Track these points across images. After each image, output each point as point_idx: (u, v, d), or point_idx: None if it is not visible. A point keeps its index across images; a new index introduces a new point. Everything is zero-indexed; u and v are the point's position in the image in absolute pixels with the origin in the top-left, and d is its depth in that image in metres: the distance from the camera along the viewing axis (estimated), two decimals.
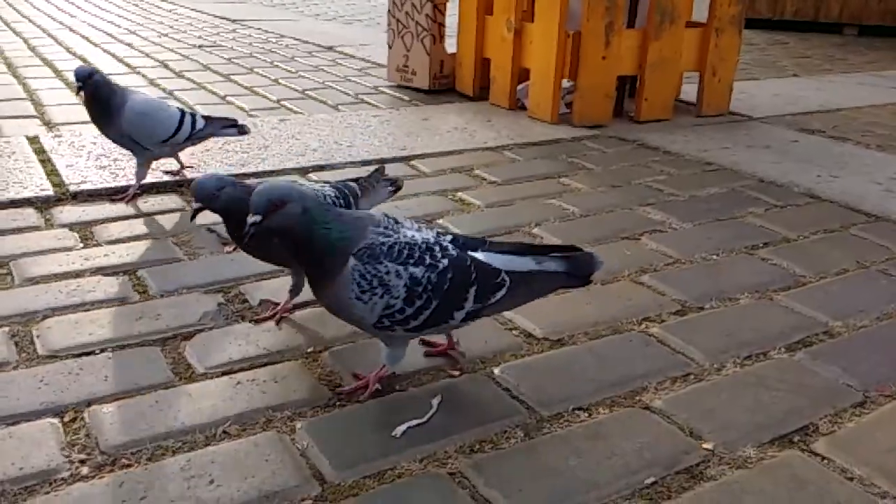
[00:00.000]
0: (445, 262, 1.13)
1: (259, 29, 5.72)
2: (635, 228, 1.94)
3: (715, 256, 1.79)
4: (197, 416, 1.15)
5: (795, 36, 6.13)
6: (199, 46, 4.81)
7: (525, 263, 1.20)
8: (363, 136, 2.71)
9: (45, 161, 2.29)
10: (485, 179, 2.32)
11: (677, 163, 2.55)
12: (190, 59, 4.30)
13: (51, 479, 1.02)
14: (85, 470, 1.04)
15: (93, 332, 1.37)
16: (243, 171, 2.28)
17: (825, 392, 1.26)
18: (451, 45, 3.50)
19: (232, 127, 2.13)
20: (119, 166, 2.24)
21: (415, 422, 1.15)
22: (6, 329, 1.37)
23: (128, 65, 4.09)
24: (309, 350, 1.34)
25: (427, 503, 1.00)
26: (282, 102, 3.29)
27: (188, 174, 2.22)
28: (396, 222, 1.17)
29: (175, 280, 1.58)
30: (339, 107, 3.24)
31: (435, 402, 1.19)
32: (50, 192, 2.04)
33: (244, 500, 0.99)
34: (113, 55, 4.39)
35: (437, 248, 1.14)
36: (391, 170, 2.37)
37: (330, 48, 4.84)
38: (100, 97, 1.94)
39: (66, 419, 1.14)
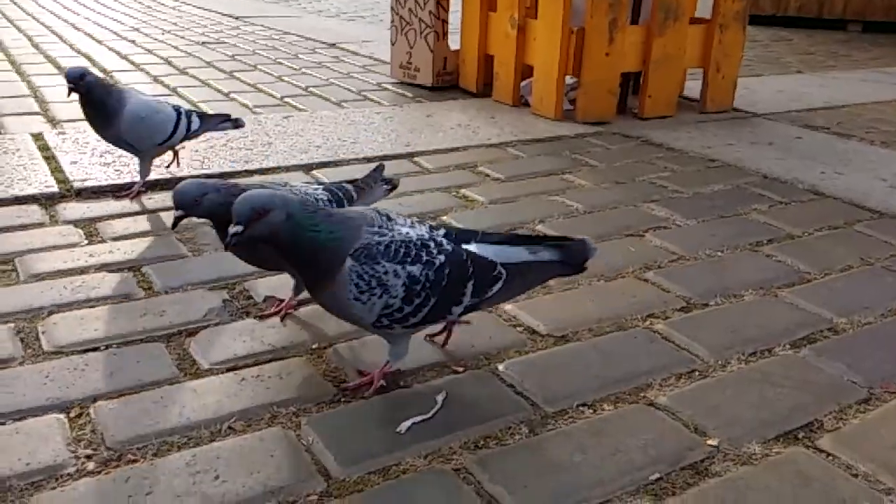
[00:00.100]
0: (442, 258, 1.13)
1: (262, 26, 5.72)
2: (639, 225, 1.94)
3: (719, 253, 1.78)
4: (202, 412, 1.16)
5: (799, 32, 6.12)
6: (203, 43, 4.81)
7: (519, 254, 1.20)
8: (367, 133, 2.71)
9: (50, 158, 2.29)
10: (488, 176, 2.32)
11: (681, 159, 2.55)
12: (193, 56, 4.31)
13: (57, 474, 1.02)
14: (91, 465, 1.04)
15: (98, 329, 1.38)
16: (247, 167, 2.28)
17: (830, 389, 1.26)
18: (454, 42, 3.49)
19: (227, 122, 2.12)
20: (123, 163, 2.24)
21: (419, 418, 1.15)
22: (12, 325, 1.38)
23: (131, 62, 4.10)
24: (314, 346, 1.34)
25: (432, 499, 1.00)
26: (285, 99, 3.29)
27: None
28: (389, 219, 1.16)
29: (179, 276, 1.58)
30: (343, 104, 3.24)
31: (439, 398, 1.20)
32: (54, 188, 2.04)
33: (249, 495, 0.99)
34: (117, 52, 4.39)
35: (432, 245, 1.14)
36: (394, 166, 2.37)
37: (333, 45, 4.84)
38: (93, 99, 1.91)
39: (72, 415, 1.14)
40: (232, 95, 3.34)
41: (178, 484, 1.01)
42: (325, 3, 7.88)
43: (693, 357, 1.34)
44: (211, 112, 2.82)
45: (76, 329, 1.37)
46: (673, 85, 3.11)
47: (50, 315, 1.42)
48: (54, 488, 1.00)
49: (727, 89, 3.23)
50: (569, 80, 3.01)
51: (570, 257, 1.22)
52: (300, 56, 4.40)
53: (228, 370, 1.27)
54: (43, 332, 1.36)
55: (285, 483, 1.02)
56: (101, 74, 3.71)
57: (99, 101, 1.91)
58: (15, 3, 6.82)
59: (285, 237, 1.09)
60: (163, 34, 5.17)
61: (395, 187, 1.61)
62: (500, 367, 1.29)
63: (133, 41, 4.82)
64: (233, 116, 2.14)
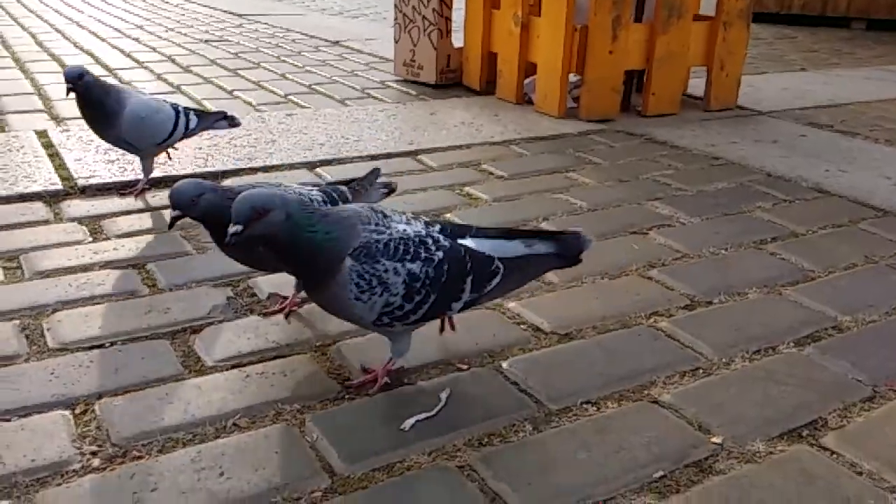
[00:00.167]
0: (440, 254, 1.13)
1: (265, 24, 5.72)
2: (643, 223, 1.94)
3: (723, 251, 1.78)
4: (207, 409, 1.16)
5: (803, 30, 6.10)
6: (206, 41, 4.81)
7: (515, 248, 1.21)
8: (370, 131, 2.71)
9: (54, 155, 2.30)
10: (492, 174, 2.32)
11: (685, 157, 2.54)
12: (197, 54, 4.31)
13: (63, 470, 1.03)
14: (96, 462, 1.05)
15: (102, 326, 1.38)
16: (250, 165, 2.28)
17: (834, 387, 1.26)
18: (457, 40, 3.49)
19: (223, 120, 2.11)
20: (127, 160, 2.24)
21: (423, 415, 1.15)
22: (17, 322, 1.38)
23: (135, 59, 4.10)
24: (318, 343, 1.35)
25: (436, 496, 1.00)
26: (289, 97, 3.30)
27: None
28: (385, 216, 1.15)
29: (184, 274, 1.59)
30: (346, 101, 3.24)
31: (443, 395, 1.20)
32: (59, 186, 2.05)
33: (254, 491, 1.00)
34: (120, 50, 4.39)
35: (430, 241, 1.14)
36: (398, 164, 2.37)
37: (336, 43, 4.84)
38: (92, 99, 1.89)
39: (77, 411, 1.15)
40: (235, 93, 3.34)
41: (182, 480, 1.01)
42: (329, 0, 7.88)
43: (697, 355, 1.34)
44: (214, 109, 2.82)
45: (81, 326, 1.37)
46: (677, 83, 3.10)
47: (55, 312, 1.42)
48: (60, 484, 1.00)
49: (731, 87, 3.23)
50: (572, 77, 3.01)
51: (566, 249, 1.23)
52: (303, 54, 4.41)
53: (233, 367, 1.27)
54: (48, 329, 1.36)
55: (290, 480, 1.02)
56: (103, 72, 3.71)
57: (97, 102, 1.90)
58: (18, 1, 6.83)
59: (284, 237, 1.08)
60: (166, 32, 5.17)
61: (392, 191, 1.60)
62: (504, 364, 1.30)
63: (136, 39, 4.82)
64: (228, 114, 2.14)
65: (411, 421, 1.14)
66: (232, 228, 1.07)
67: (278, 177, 2.22)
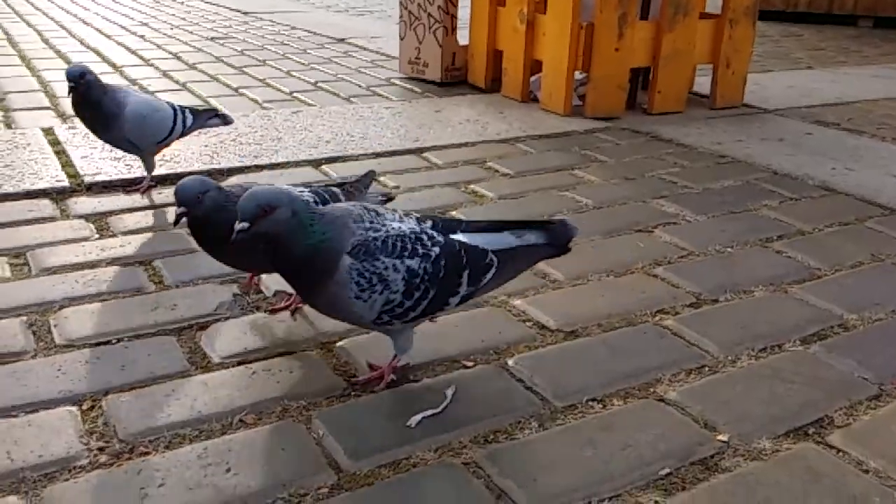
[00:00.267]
0: (437, 249, 1.13)
1: (271, 21, 5.73)
2: (649, 221, 1.94)
3: (729, 249, 1.78)
4: (213, 405, 1.16)
5: (809, 28, 6.08)
6: (212, 38, 4.82)
7: (507, 240, 1.21)
8: (376, 128, 2.71)
9: (60, 152, 2.30)
10: (497, 171, 2.31)
11: (691, 155, 2.54)
12: (203, 51, 4.31)
13: (70, 466, 1.03)
14: (104, 457, 1.05)
15: (109, 322, 1.38)
16: (256, 162, 2.29)
17: (840, 385, 1.26)
18: (463, 37, 3.49)
19: (215, 118, 2.11)
20: (133, 158, 2.24)
21: (429, 412, 1.15)
22: (24, 318, 1.39)
23: (140, 57, 4.11)
24: (324, 340, 1.35)
25: (442, 493, 1.00)
26: (294, 94, 3.30)
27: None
28: (378, 214, 1.15)
29: (190, 270, 1.59)
30: (352, 99, 3.24)
31: (449, 392, 1.20)
32: (65, 183, 2.06)
33: (261, 487, 1.00)
34: (126, 47, 4.40)
35: (425, 237, 1.14)
36: (403, 162, 2.37)
37: (342, 40, 4.84)
38: (91, 99, 1.87)
39: (85, 407, 1.15)
40: (241, 90, 3.35)
41: (189, 476, 1.02)
42: None
43: (703, 353, 1.34)
44: (221, 107, 2.83)
45: (88, 322, 1.38)
46: (682, 80, 3.10)
47: (62, 308, 1.43)
48: (67, 480, 1.01)
49: (737, 85, 3.22)
50: (578, 75, 3.00)
51: (555, 239, 1.23)
52: (309, 51, 4.41)
53: (239, 364, 1.27)
54: (55, 326, 1.37)
55: (296, 476, 1.02)
56: (109, 69, 3.72)
57: (97, 102, 1.88)
58: None
59: (288, 236, 1.07)
60: (172, 29, 5.18)
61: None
62: (510, 361, 1.30)
63: (142, 36, 4.83)
64: (220, 112, 2.14)
65: (417, 418, 1.14)
66: (238, 225, 1.06)
67: (284, 174, 2.22)
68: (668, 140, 2.71)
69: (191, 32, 5.06)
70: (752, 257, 1.74)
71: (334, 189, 1.42)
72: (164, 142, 2.01)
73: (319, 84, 3.52)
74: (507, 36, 3.20)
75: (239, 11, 6.29)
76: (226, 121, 2.13)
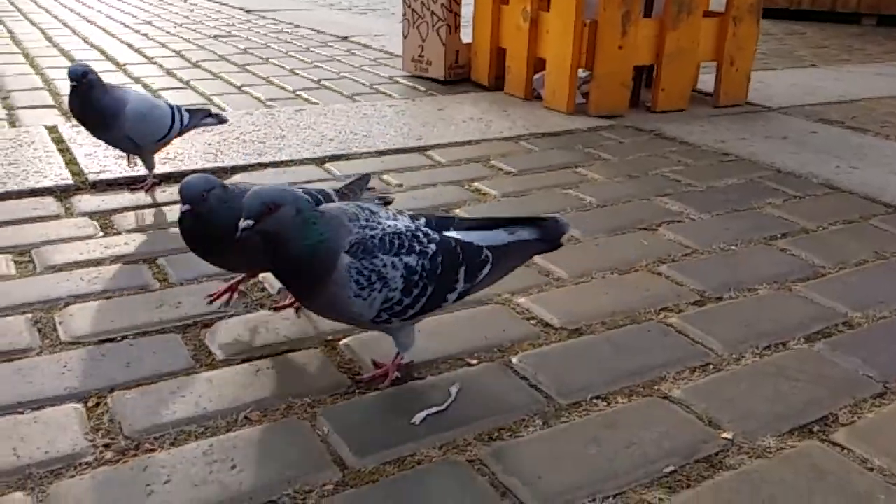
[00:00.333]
0: (433, 246, 1.13)
1: (274, 19, 5.73)
2: (653, 219, 1.94)
3: (733, 247, 1.78)
4: (218, 402, 1.16)
5: (813, 26, 6.07)
6: (215, 36, 4.82)
7: (500, 236, 1.21)
8: (379, 126, 2.71)
9: (64, 150, 2.31)
10: (501, 169, 2.31)
11: (694, 153, 2.54)
12: (206, 50, 4.32)
13: (76, 462, 1.04)
14: (109, 454, 1.05)
15: (114, 320, 1.39)
16: (260, 160, 2.29)
17: (845, 383, 1.26)
18: (466, 35, 3.49)
19: (209, 117, 2.11)
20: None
21: (434, 409, 1.15)
22: (29, 316, 1.39)
23: (144, 55, 4.11)
24: (328, 338, 1.35)
25: (446, 490, 1.01)
26: (298, 92, 3.30)
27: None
28: (373, 212, 1.15)
29: (194, 268, 1.59)
30: (355, 97, 3.24)
31: (453, 390, 1.20)
32: (69, 180, 2.06)
33: (266, 484, 1.00)
34: (129, 45, 4.41)
35: (421, 234, 1.14)
36: (407, 160, 2.37)
37: (345, 38, 4.84)
38: (91, 98, 1.87)
39: (90, 404, 1.15)
40: (245, 89, 3.35)
41: (195, 473, 1.02)
42: None
43: (707, 350, 1.34)
44: (224, 105, 2.83)
45: (93, 320, 1.38)
46: (686, 78, 3.09)
47: (67, 306, 1.43)
48: (73, 476, 1.01)
49: (741, 83, 3.22)
50: (581, 73, 3.00)
51: (547, 234, 1.24)
52: (312, 49, 4.41)
53: (244, 361, 1.28)
54: (60, 323, 1.37)
55: (301, 473, 1.02)
56: (113, 67, 3.72)
57: (96, 100, 1.88)
58: None
59: (291, 234, 1.07)
60: (175, 27, 5.19)
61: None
62: (514, 359, 1.30)
63: (145, 34, 4.84)
64: (213, 111, 2.14)
65: (421, 415, 1.14)
66: (243, 223, 1.06)
67: (287, 172, 2.22)
68: (672, 138, 2.71)
69: (194, 30, 5.06)
70: (756, 255, 1.74)
71: (328, 190, 1.41)
72: (164, 140, 2.01)
73: (323, 82, 3.52)
74: (510, 34, 3.20)
75: (242, 10, 6.29)
76: (220, 120, 2.14)
